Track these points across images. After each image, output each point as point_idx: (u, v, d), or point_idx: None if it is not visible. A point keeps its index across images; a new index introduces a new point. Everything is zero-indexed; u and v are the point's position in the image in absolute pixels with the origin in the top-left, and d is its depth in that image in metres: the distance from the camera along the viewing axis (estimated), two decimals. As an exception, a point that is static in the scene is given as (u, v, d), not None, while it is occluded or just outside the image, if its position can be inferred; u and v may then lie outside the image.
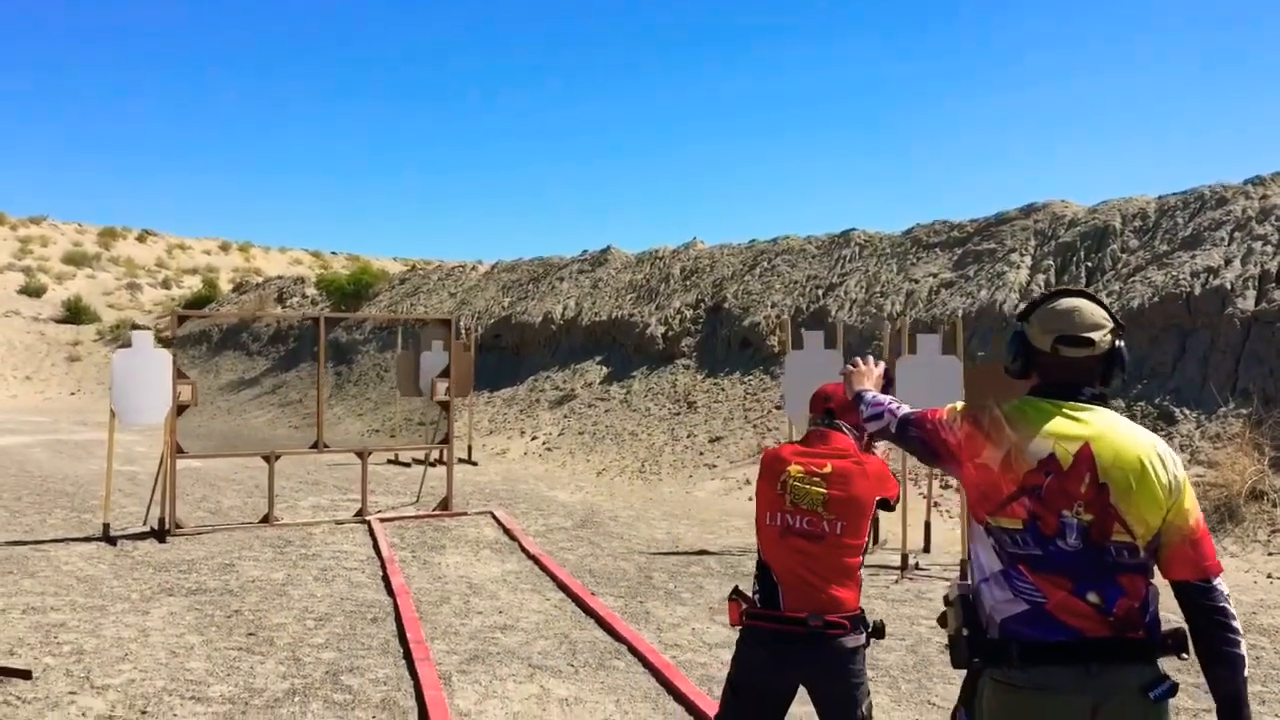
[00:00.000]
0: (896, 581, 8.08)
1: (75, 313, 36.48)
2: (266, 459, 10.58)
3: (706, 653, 6.15)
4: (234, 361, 29.58)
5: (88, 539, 9.33)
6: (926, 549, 9.15)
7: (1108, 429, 2.39)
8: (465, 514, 10.88)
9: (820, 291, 17.41)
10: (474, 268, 28.49)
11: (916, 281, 15.95)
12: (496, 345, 21.92)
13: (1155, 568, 2.38)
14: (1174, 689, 2.33)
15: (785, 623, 3.18)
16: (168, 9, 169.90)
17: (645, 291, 20.88)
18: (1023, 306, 2.56)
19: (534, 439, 17.03)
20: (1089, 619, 2.31)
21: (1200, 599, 2.32)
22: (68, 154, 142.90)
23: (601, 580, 8.00)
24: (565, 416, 17.69)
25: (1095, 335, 2.44)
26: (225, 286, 42.04)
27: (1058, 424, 2.39)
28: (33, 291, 38.44)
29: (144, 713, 5.05)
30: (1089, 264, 14.07)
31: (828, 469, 3.24)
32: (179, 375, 9.78)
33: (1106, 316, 2.47)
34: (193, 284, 43.77)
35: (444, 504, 11.04)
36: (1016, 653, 2.32)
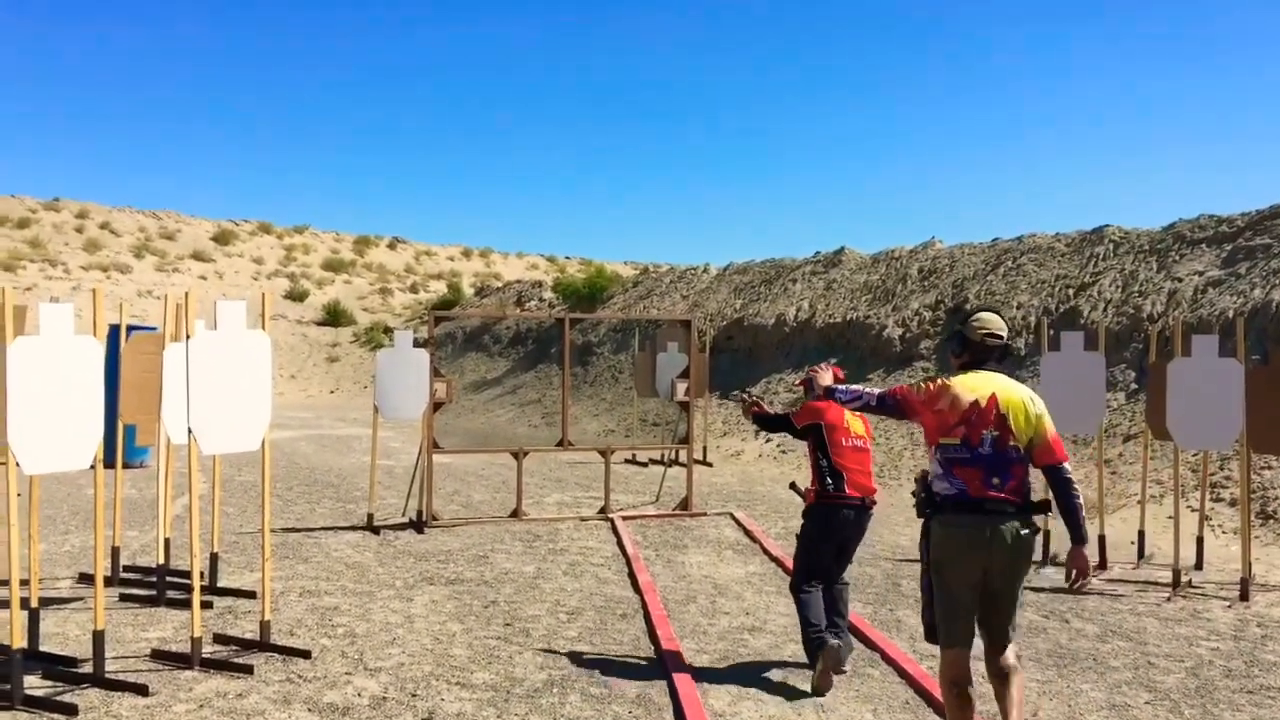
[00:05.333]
0: (1169, 599, 7.56)
1: (334, 316, 38.98)
2: (515, 455, 10.94)
3: (965, 665, 5.89)
4: (476, 362, 30.86)
5: (353, 528, 9.90)
6: (1199, 566, 8.52)
7: (1003, 384, 4.32)
8: (705, 514, 10.92)
9: (1071, 291, 16.56)
10: (705, 270, 28.66)
11: (1180, 280, 14.93)
12: (729, 347, 21.96)
13: (1029, 464, 4.26)
14: (1037, 531, 4.30)
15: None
16: (417, 44, 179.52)
17: (881, 292, 20.45)
18: (958, 317, 4.55)
19: (769, 441, 16.95)
20: (994, 491, 4.19)
21: (1057, 475, 4.22)
22: (330, 166, 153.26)
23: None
24: (800, 419, 17.50)
25: (1004, 334, 4.43)
26: (468, 291, 43.92)
27: (978, 383, 4.31)
28: (296, 296, 41.25)
29: (414, 695, 5.27)
30: (1383, 259, 12.79)
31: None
32: (435, 374, 10.24)
33: (1004, 324, 4.45)
34: (438, 288, 45.99)
35: (684, 504, 11.12)
36: (950, 508, 4.25)
